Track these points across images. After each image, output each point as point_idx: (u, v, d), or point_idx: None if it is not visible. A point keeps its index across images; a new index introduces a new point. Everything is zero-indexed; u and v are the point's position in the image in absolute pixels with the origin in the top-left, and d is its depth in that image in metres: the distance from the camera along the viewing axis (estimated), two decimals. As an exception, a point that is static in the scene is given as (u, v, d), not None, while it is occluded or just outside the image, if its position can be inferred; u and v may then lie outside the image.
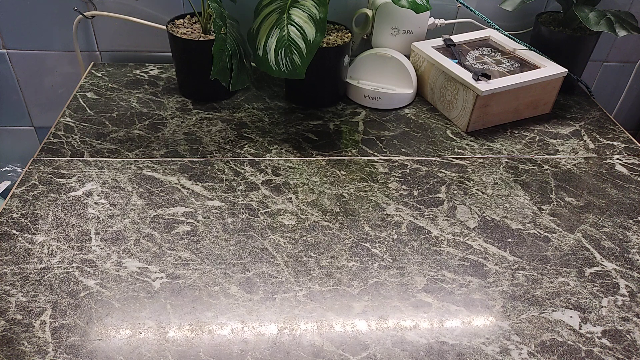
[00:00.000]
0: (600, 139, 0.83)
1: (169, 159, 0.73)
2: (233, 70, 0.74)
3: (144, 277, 0.55)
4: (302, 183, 0.70)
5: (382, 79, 0.88)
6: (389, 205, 0.67)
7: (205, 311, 0.52)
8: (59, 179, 0.68)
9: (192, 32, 0.82)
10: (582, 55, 0.91)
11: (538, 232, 0.65)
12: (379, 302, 0.55)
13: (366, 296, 0.55)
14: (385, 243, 0.62)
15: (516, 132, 0.84)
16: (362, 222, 0.64)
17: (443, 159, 0.76)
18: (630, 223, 0.67)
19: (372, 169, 0.73)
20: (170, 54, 0.86)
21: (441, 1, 0.95)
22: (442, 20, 0.92)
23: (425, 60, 0.88)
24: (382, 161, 0.75)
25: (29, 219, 0.62)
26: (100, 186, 0.67)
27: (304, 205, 0.66)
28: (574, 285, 0.58)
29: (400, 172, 0.73)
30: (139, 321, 0.51)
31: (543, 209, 0.68)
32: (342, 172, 0.72)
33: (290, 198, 0.67)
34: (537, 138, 0.83)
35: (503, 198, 0.70)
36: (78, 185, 0.67)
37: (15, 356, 0.47)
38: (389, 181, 0.71)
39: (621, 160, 0.79)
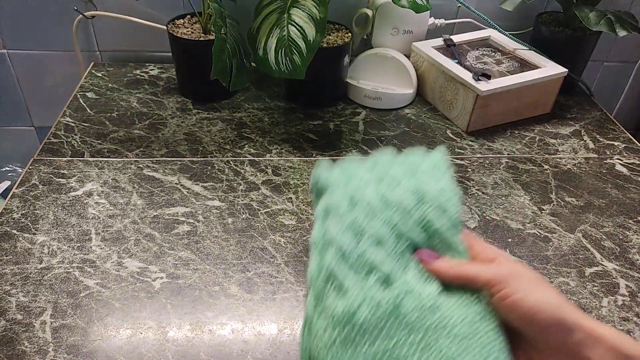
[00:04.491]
0: (600, 139, 0.83)
1: (169, 159, 0.73)
2: (233, 70, 0.74)
3: (144, 277, 0.55)
4: (302, 183, 0.70)
5: (382, 79, 0.88)
6: (389, 205, 0.67)
7: (205, 311, 0.52)
8: (59, 179, 0.68)
9: (192, 32, 0.82)
10: (582, 55, 0.91)
11: (538, 232, 0.65)
12: (379, 302, 0.55)
13: (366, 296, 0.55)
14: (386, 243, 0.62)
15: (516, 132, 0.84)
16: (362, 222, 0.64)
17: (443, 159, 0.76)
18: (630, 223, 0.67)
19: (372, 169, 0.73)
20: (171, 54, 0.86)
21: (441, 1, 0.95)
22: (442, 20, 0.92)
23: (425, 60, 0.88)
24: (382, 161, 0.75)
25: (29, 218, 0.62)
26: (101, 186, 0.67)
27: (304, 205, 0.66)
28: (574, 285, 0.58)
29: (400, 172, 0.73)
30: (139, 321, 0.51)
31: (543, 209, 0.68)
32: (342, 172, 0.72)
33: (291, 198, 0.67)
34: (537, 138, 0.83)
35: (503, 198, 0.70)
36: (78, 185, 0.67)
37: (16, 356, 0.47)
38: (389, 181, 0.71)
39: (621, 160, 0.79)
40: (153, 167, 0.71)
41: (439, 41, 0.90)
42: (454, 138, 0.81)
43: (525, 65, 0.85)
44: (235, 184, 0.69)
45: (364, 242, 0.39)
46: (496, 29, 0.90)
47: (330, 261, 0.38)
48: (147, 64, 0.95)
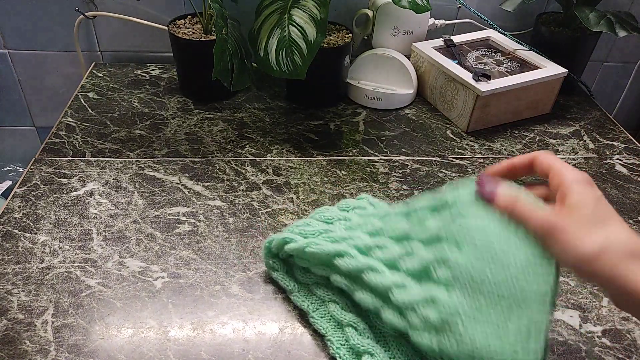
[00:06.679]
0: (600, 139, 0.84)
1: (171, 158, 0.73)
2: (234, 70, 0.74)
3: (146, 277, 0.56)
4: (302, 183, 0.70)
5: (382, 79, 0.88)
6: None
7: (206, 310, 0.53)
8: (61, 179, 0.68)
9: (193, 33, 0.82)
10: (582, 55, 0.91)
11: (538, 232, 0.65)
12: (380, 301, 0.55)
13: (367, 296, 0.55)
14: (386, 243, 0.62)
15: (516, 132, 0.84)
16: (363, 222, 0.64)
17: (443, 159, 0.76)
18: (630, 223, 0.67)
19: (373, 169, 0.73)
20: (172, 54, 0.86)
21: (441, 1, 0.95)
22: (442, 21, 0.92)
23: (425, 61, 0.88)
24: (382, 161, 0.75)
25: (30, 218, 0.62)
26: (102, 186, 0.67)
27: (304, 205, 0.66)
28: (574, 285, 0.58)
29: (400, 172, 0.73)
30: (141, 320, 0.51)
31: (543, 209, 0.68)
32: (343, 172, 0.73)
33: (291, 198, 0.67)
34: (537, 138, 0.83)
35: (503, 198, 0.70)
36: (80, 185, 0.67)
37: (17, 355, 0.47)
38: (389, 181, 0.71)
39: (621, 160, 0.79)
40: (154, 167, 0.71)
41: (439, 41, 0.90)
42: (454, 138, 0.81)
43: (525, 66, 0.86)
44: (236, 184, 0.69)
45: None
46: (496, 29, 0.90)
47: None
48: (148, 64, 0.96)
